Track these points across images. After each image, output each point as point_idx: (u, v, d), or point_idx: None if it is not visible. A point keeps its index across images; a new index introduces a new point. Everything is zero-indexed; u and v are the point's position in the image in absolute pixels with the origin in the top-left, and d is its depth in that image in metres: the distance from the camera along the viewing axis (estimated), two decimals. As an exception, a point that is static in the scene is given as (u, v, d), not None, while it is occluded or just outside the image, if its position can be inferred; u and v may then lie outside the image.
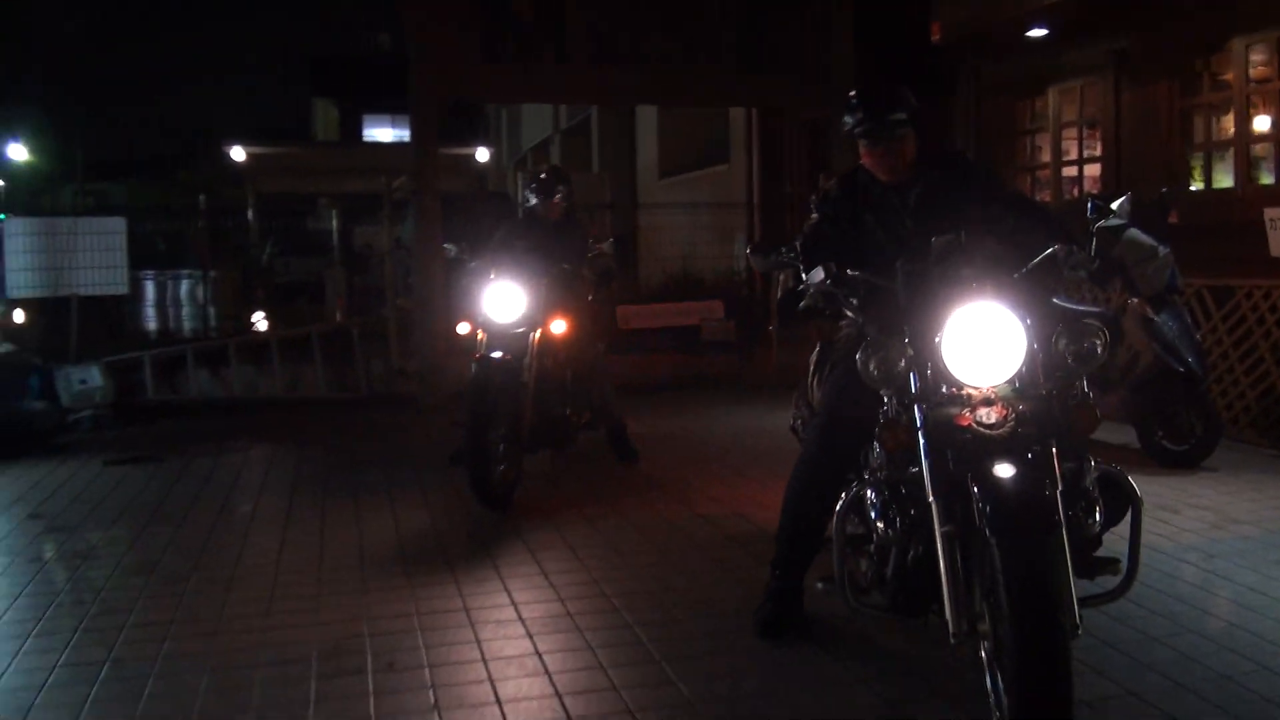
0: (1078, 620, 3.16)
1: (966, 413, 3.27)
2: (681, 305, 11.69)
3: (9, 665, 4.06)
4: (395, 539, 5.76)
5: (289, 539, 5.75)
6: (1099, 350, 3.43)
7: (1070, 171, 10.52)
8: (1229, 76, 8.87)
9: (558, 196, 7.08)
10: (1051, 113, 10.68)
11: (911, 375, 3.40)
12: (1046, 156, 10.80)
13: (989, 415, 3.24)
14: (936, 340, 3.33)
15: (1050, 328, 3.46)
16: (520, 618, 4.47)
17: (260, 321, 12.01)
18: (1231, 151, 8.91)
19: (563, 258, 6.78)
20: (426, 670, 3.91)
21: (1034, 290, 3.60)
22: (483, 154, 16.41)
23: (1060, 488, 3.23)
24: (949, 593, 3.21)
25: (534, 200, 7.14)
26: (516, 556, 5.37)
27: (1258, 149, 8.84)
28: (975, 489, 3.14)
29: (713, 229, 13.46)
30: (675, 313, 11.48)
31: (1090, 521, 3.44)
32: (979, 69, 11.19)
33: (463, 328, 6.67)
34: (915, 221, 3.97)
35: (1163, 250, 7.18)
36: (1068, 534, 3.26)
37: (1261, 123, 8.82)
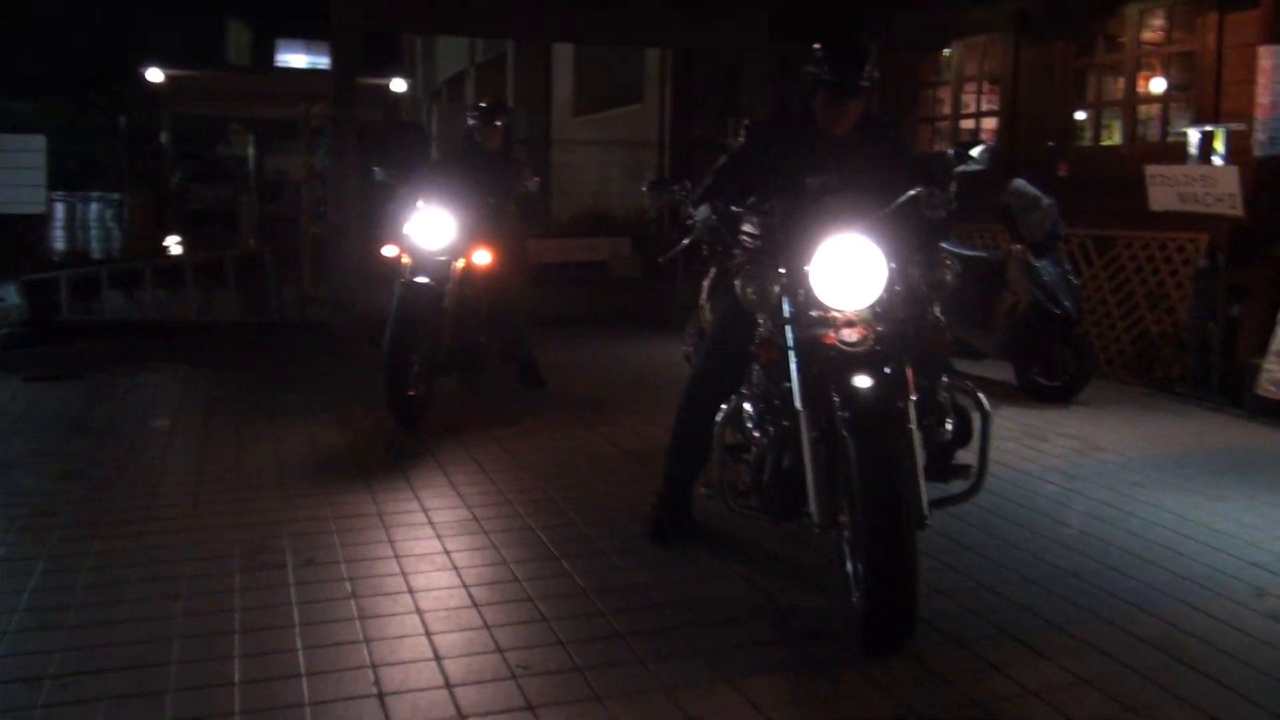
0: (926, 513, 3.63)
1: (831, 333, 3.66)
2: (591, 241, 11.98)
3: (-55, 561, 4.29)
4: (311, 451, 6.04)
5: (209, 451, 6.01)
6: (949, 279, 3.84)
7: (969, 124, 10.93)
8: (1123, 39, 9.30)
9: (498, 123, 7.31)
10: (954, 67, 11.07)
11: (784, 300, 3.77)
12: (947, 109, 11.19)
13: (851, 335, 3.64)
14: (807, 269, 3.70)
15: (907, 259, 3.86)
16: (430, 521, 4.81)
17: (174, 246, 12.06)
18: (1120, 110, 9.37)
19: (494, 190, 7.02)
20: (343, 565, 4.24)
21: (897, 227, 3.94)
22: (399, 84, 16.44)
23: (914, 399, 3.66)
24: (814, 489, 3.63)
25: (474, 125, 7.36)
26: (427, 469, 5.69)
27: (1145, 109, 9.31)
28: (837, 398, 3.54)
29: (624, 167, 13.73)
30: (584, 248, 11.77)
31: (942, 430, 3.89)
32: (889, 19, 11.50)
33: (389, 250, 6.90)
34: (842, 175, 4.05)
35: (1046, 200, 7.66)
36: (926, 443, 3.72)
37: (1150, 85, 9.28)
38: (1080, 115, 9.84)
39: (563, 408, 7.22)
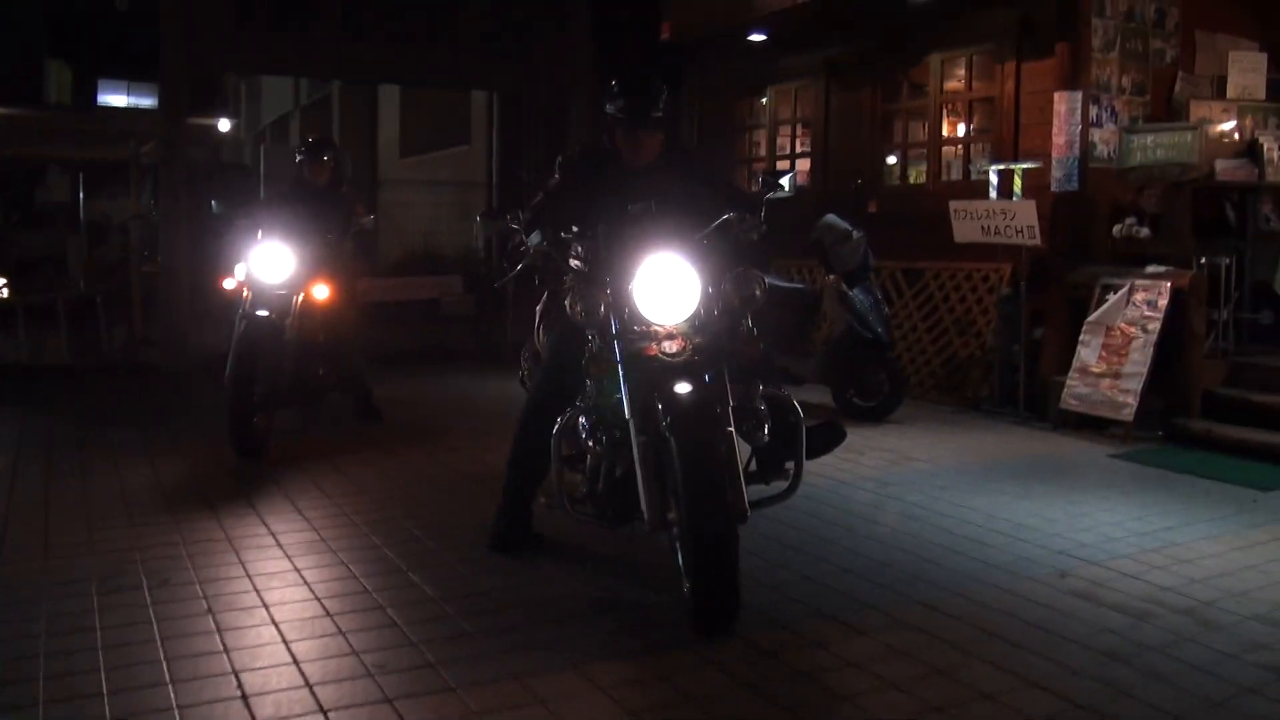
0: (746, 508, 3.98)
1: (654, 345, 3.97)
2: (422, 279, 12.16)
3: None
4: (156, 485, 6.07)
5: (53, 489, 5.95)
6: (758, 295, 4.19)
7: (784, 165, 11.46)
8: (927, 86, 9.95)
9: (325, 158, 7.45)
10: (769, 111, 11.62)
11: (611, 317, 4.08)
12: (764, 151, 11.72)
13: (671, 346, 3.97)
14: (629, 287, 4.01)
15: (721, 278, 4.20)
16: (278, 543, 4.94)
17: (1, 289, 11.79)
18: (925, 151, 10.00)
19: (328, 225, 7.16)
20: (198, 585, 4.35)
21: (713, 249, 4.29)
22: (224, 124, 16.40)
23: (732, 404, 4.00)
24: (644, 489, 3.92)
25: (301, 161, 7.49)
26: (271, 495, 5.80)
27: (949, 150, 9.95)
28: (659, 405, 3.85)
29: (453, 207, 13.95)
30: (416, 286, 11.93)
31: (759, 434, 4.23)
32: (705, 68, 12.04)
33: (229, 283, 6.97)
34: (638, 205, 4.35)
35: (856, 233, 8.16)
36: (755, 449, 4.09)
37: (954, 128, 9.94)
38: (891, 159, 10.47)
39: (400, 437, 7.38)
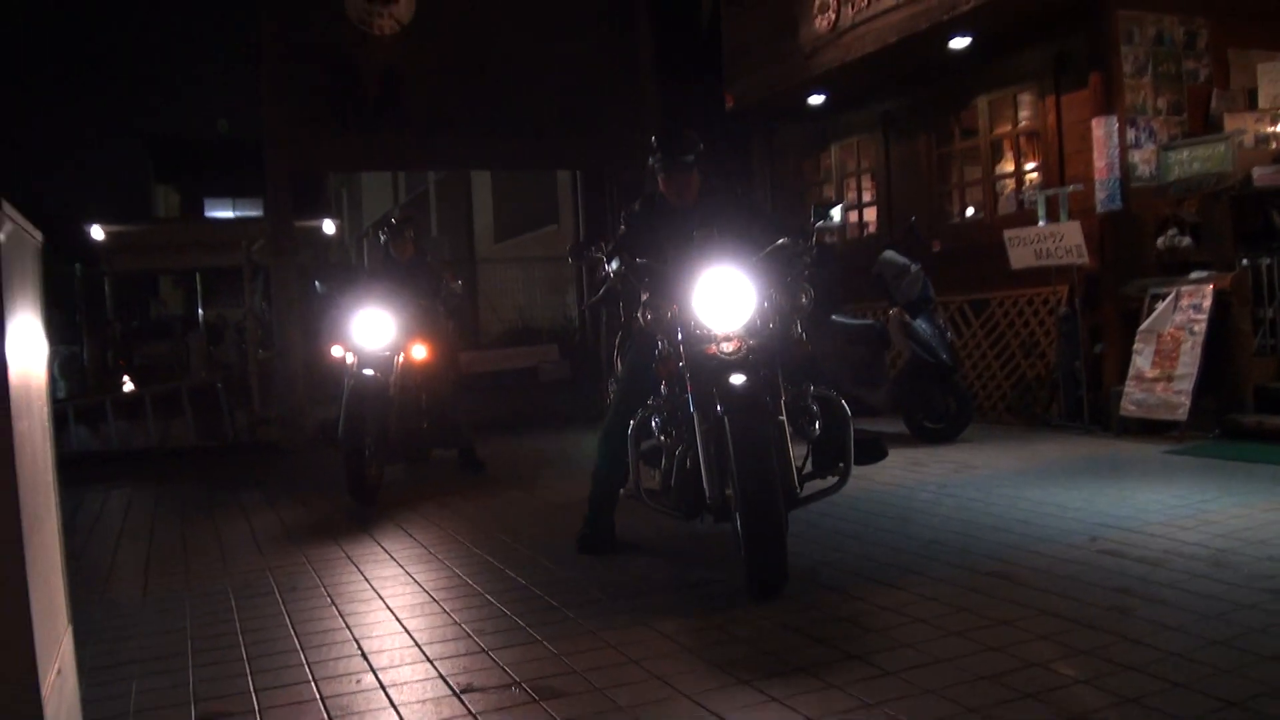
0: (797, 490, 4.50)
1: (713, 346, 4.54)
2: (520, 350, 12.88)
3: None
4: (281, 527, 6.75)
5: (189, 533, 6.68)
6: (805, 303, 4.76)
7: (853, 216, 12.07)
8: (976, 127, 10.48)
9: (407, 234, 8.21)
10: (835, 165, 12.23)
11: (677, 324, 4.67)
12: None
13: (728, 347, 4.53)
14: (692, 298, 4.61)
15: (775, 289, 4.78)
16: (391, 557, 5.58)
17: (128, 385, 12.74)
18: (980, 188, 10.50)
19: (420, 292, 7.89)
20: (322, 589, 4.99)
21: (770, 267, 4.89)
22: (329, 226, 17.39)
23: (783, 398, 4.55)
24: (705, 469, 4.49)
25: (386, 241, 8.26)
26: (384, 525, 6.46)
27: (1002, 184, 10.43)
28: (717, 395, 4.42)
29: (546, 283, 14.71)
30: (514, 356, 12.65)
31: (810, 429, 4.77)
32: (771, 132, 12.73)
33: (336, 351, 7.70)
34: (688, 233, 5.13)
35: (914, 267, 8.66)
36: (807, 440, 4.64)
37: (1002, 163, 10.43)
38: (946, 195, 10.99)
39: (500, 482, 8.00)
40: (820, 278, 7.56)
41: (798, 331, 4.82)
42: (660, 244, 5.08)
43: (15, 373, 1.68)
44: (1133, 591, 4.14)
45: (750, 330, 4.62)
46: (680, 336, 4.69)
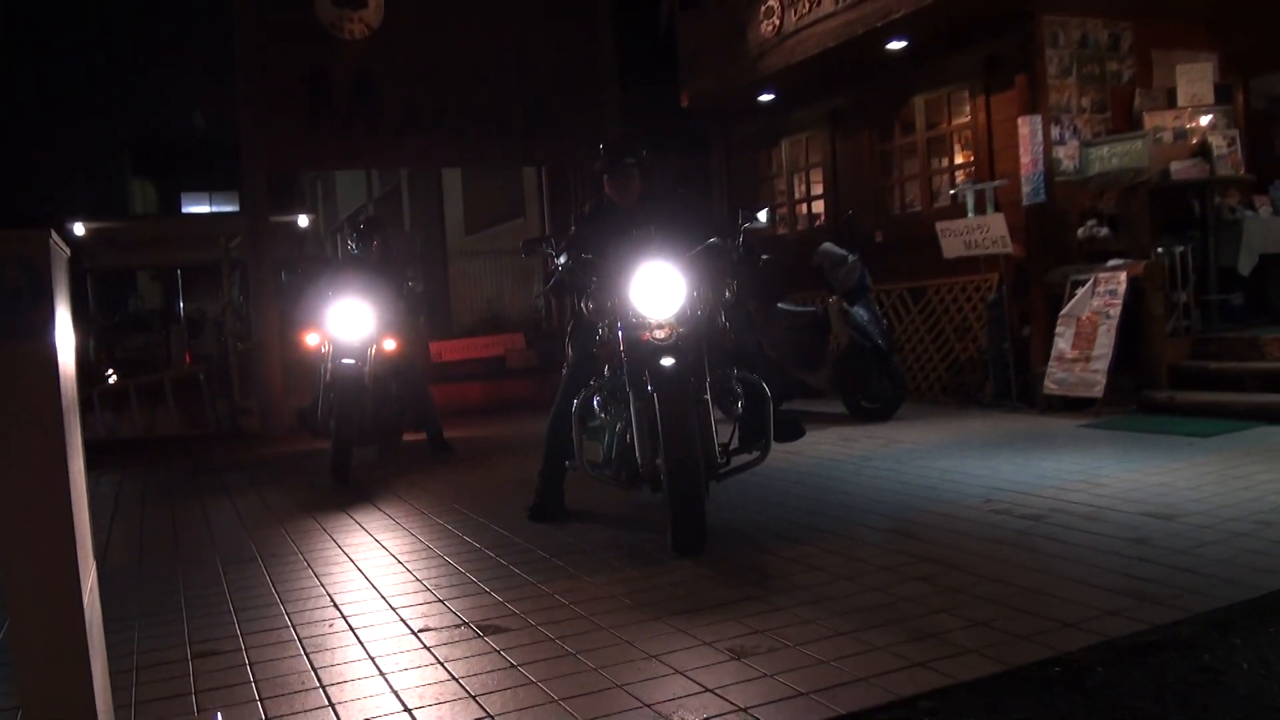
0: (718, 461, 5.12)
1: (647, 333, 5.13)
2: (488, 338, 13.43)
3: None
4: (263, 504, 7.30)
5: (178, 511, 7.23)
6: (729, 295, 5.36)
7: (802, 209, 12.70)
8: (914, 124, 11.10)
9: (374, 234, 8.78)
10: (786, 160, 12.83)
11: (616, 312, 5.26)
12: (784, 195, 12.94)
13: (660, 333, 5.12)
14: (629, 289, 5.20)
15: (703, 283, 5.38)
16: (362, 527, 6.15)
17: (113, 377, 13.26)
18: (918, 182, 11.12)
19: (385, 289, 8.45)
20: (299, 554, 5.57)
21: (700, 264, 5.47)
22: (303, 220, 17.86)
23: (708, 380, 5.14)
24: (638, 442, 5.09)
25: (354, 237, 8.83)
26: (357, 501, 7.02)
27: (938, 179, 11.05)
28: (648, 375, 5.01)
29: (514, 274, 15.24)
30: (482, 345, 13.21)
31: (734, 408, 5.38)
32: (727, 128, 13.34)
33: (312, 339, 8.26)
34: (631, 232, 5.72)
35: (851, 257, 9.26)
36: (732, 418, 5.24)
37: (937, 159, 11.05)
38: (888, 189, 11.61)
39: (466, 462, 8.58)
40: (757, 271, 8.26)
41: (722, 321, 5.42)
42: (605, 241, 5.66)
43: (63, 358, 2.26)
44: (1007, 541, 4.76)
45: (680, 319, 5.20)
46: (619, 324, 5.28)
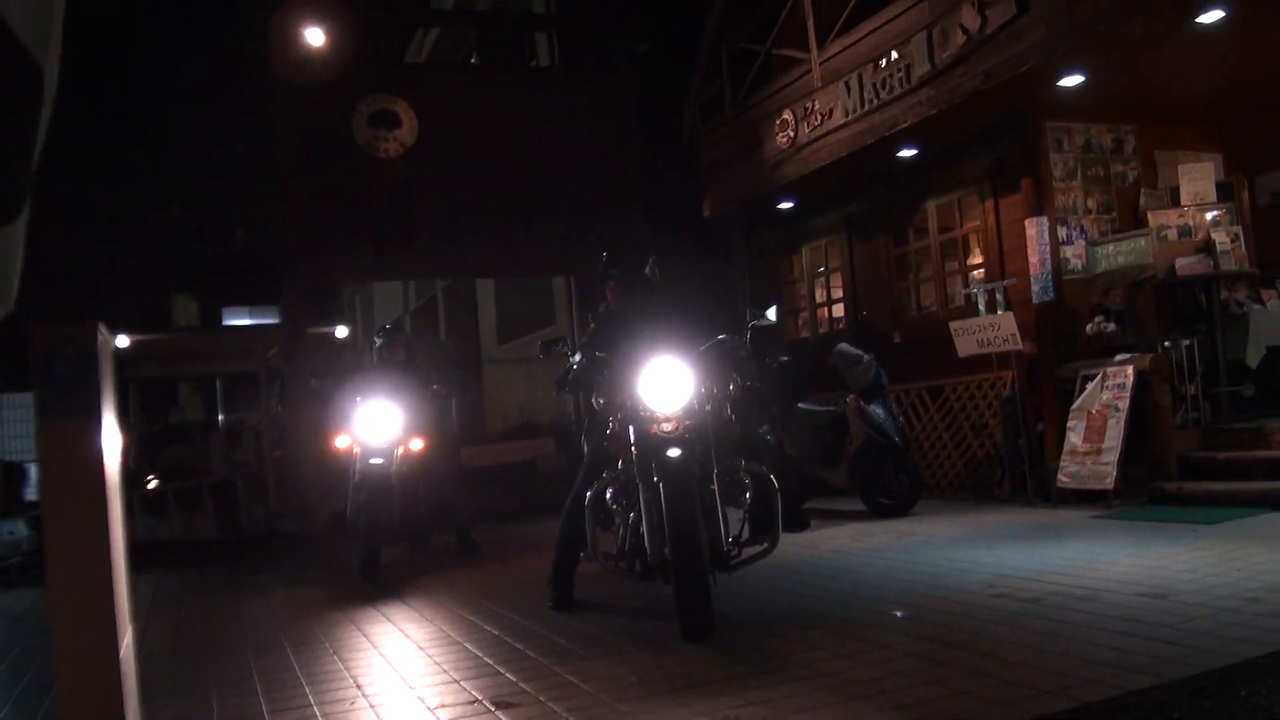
0: (726, 550, 5.33)
1: (655, 426, 5.40)
2: (519, 443, 13.74)
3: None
4: (294, 600, 7.56)
5: (212, 607, 7.52)
6: (732, 390, 5.64)
7: (823, 313, 13.05)
8: (927, 228, 11.44)
9: (398, 339, 9.15)
10: (805, 264, 13.20)
11: (627, 406, 5.54)
12: (804, 299, 13.29)
13: (668, 426, 5.38)
14: (638, 384, 5.48)
15: (710, 379, 5.66)
16: (387, 618, 6.40)
17: (152, 481, 13.63)
18: (932, 284, 11.42)
19: (410, 391, 8.79)
20: (326, 643, 5.80)
21: (708, 360, 5.76)
22: (341, 331, 18.31)
23: (715, 470, 5.39)
24: (648, 532, 5.32)
25: (380, 343, 9.20)
26: (384, 595, 7.27)
27: (951, 280, 11.34)
28: (655, 466, 5.26)
29: (546, 380, 15.57)
30: (513, 450, 13.51)
31: (742, 498, 5.61)
32: (749, 235, 13.76)
33: (342, 441, 8.60)
34: (640, 331, 6.03)
35: (866, 357, 9.54)
36: (742, 509, 5.47)
37: (950, 261, 11.36)
38: (904, 291, 11.91)
39: (491, 561, 8.81)
40: (774, 371, 8.53)
41: (729, 414, 5.69)
42: (616, 339, 5.97)
43: (107, 437, 2.57)
44: (1004, 621, 4.95)
45: (687, 412, 5.47)
46: (629, 418, 5.55)
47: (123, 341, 18.24)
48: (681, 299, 6.63)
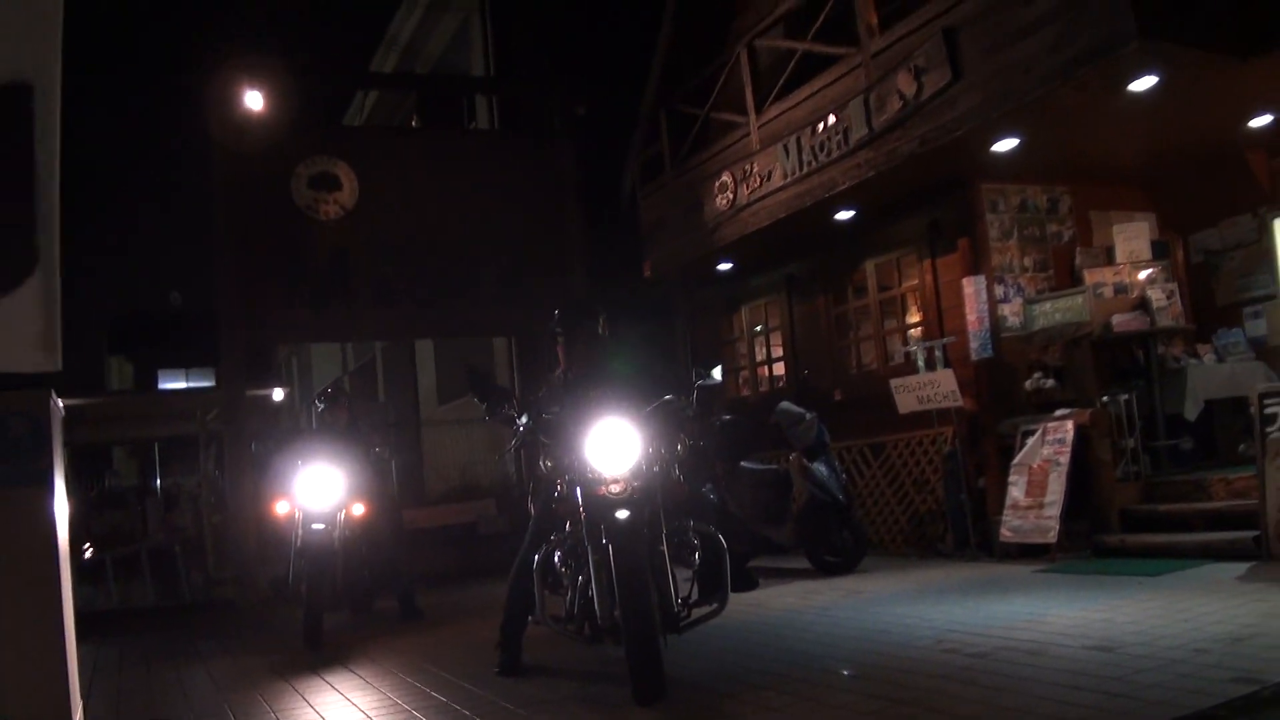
0: (676, 610, 5.31)
1: (603, 487, 5.38)
2: (460, 505, 13.62)
3: None
4: (236, 668, 7.40)
5: (153, 675, 7.34)
6: (680, 450, 5.65)
7: (764, 371, 13.14)
8: (867, 287, 11.59)
9: (340, 402, 9.08)
10: (746, 324, 13.30)
11: (574, 468, 5.52)
12: (745, 359, 13.39)
13: (615, 488, 5.37)
14: (585, 446, 5.47)
15: (658, 439, 5.66)
16: (333, 687, 6.29)
17: (89, 550, 13.34)
18: (872, 342, 11.55)
19: (351, 455, 8.70)
20: (272, 714, 5.70)
21: (654, 420, 5.76)
22: (279, 394, 18.14)
23: (664, 531, 5.38)
24: (597, 595, 5.28)
25: (322, 410, 9.12)
26: (328, 662, 7.15)
27: (891, 339, 11.48)
28: (604, 528, 5.24)
29: (486, 442, 15.49)
30: (454, 512, 13.39)
31: (691, 558, 5.60)
32: (689, 295, 13.86)
33: (282, 506, 8.48)
34: (588, 391, 6.04)
35: (809, 415, 9.59)
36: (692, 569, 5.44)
37: (889, 320, 11.51)
38: (845, 350, 12.04)
39: (436, 626, 8.71)
40: (717, 431, 8.56)
41: (676, 474, 5.70)
42: (563, 401, 5.96)
43: (59, 505, 2.53)
44: (953, 677, 4.97)
45: (635, 473, 5.46)
46: (577, 479, 5.54)
47: (58, 405, 17.97)
48: (630, 357, 6.64)
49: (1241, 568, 7.21)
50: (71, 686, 2.55)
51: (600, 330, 6.30)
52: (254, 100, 12.64)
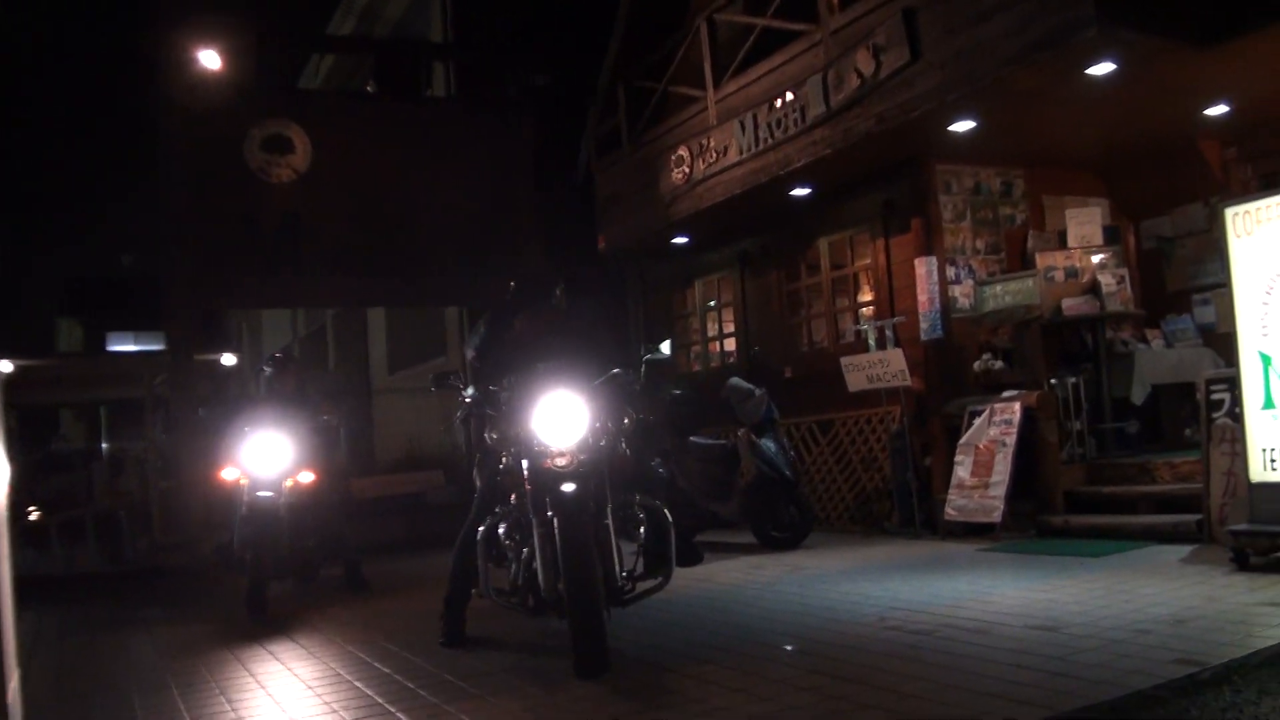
0: (620, 585, 5.32)
1: (549, 460, 5.37)
2: (407, 475, 13.60)
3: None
4: (180, 639, 7.36)
5: (97, 644, 7.31)
6: (627, 424, 5.64)
7: (715, 347, 13.16)
8: (819, 265, 11.62)
9: (289, 370, 9.00)
10: (698, 299, 13.31)
11: (520, 441, 5.50)
12: (697, 333, 13.40)
13: (561, 460, 5.35)
14: (532, 418, 5.45)
15: (606, 413, 5.65)
16: (276, 658, 6.27)
17: (34, 513, 13.20)
18: (824, 319, 11.59)
19: (298, 422, 8.63)
20: (214, 683, 5.68)
21: (602, 394, 5.75)
22: (228, 359, 17.98)
23: (609, 505, 5.37)
24: (541, 568, 5.28)
25: (270, 376, 9.03)
26: (272, 634, 7.11)
27: (842, 316, 11.53)
28: (549, 500, 5.23)
29: (435, 412, 15.44)
30: (402, 482, 13.37)
31: (636, 532, 5.60)
32: (642, 270, 13.84)
33: (230, 473, 8.40)
34: (536, 364, 6.00)
35: (758, 391, 9.62)
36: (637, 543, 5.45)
37: (841, 297, 11.55)
38: (796, 327, 12.07)
39: (381, 596, 8.70)
40: (667, 406, 8.55)
41: (623, 448, 5.69)
42: (510, 372, 5.92)
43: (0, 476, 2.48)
44: (897, 655, 5.01)
45: (581, 447, 5.45)
46: (523, 452, 5.52)
47: (5, 367, 17.69)
48: (583, 330, 6.61)
49: (1184, 550, 7.31)
50: (7, 654, 2.51)
51: (558, 303, 6.27)
52: (209, 60, 12.49)
